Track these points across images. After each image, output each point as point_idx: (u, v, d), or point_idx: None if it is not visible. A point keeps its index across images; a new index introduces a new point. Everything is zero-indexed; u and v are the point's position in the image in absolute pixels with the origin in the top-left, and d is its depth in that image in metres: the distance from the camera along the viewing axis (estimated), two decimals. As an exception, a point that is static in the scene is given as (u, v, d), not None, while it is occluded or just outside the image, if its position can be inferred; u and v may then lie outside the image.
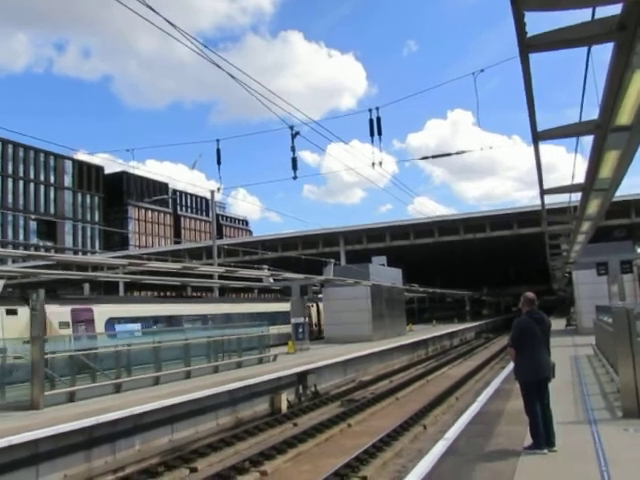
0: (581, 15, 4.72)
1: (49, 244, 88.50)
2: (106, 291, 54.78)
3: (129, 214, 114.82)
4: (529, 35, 4.58)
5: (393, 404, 17.87)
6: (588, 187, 10.30)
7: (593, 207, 12.89)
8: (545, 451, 6.89)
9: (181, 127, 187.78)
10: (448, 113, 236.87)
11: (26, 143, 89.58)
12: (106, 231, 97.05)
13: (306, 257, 35.97)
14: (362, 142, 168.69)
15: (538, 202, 14.50)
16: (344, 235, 48.47)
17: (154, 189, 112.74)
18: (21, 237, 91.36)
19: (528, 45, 4.73)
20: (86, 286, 56.50)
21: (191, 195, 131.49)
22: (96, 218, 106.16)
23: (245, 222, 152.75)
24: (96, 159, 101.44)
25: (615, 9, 4.42)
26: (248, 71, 10.44)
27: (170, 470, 10.91)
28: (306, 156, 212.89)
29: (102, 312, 21.71)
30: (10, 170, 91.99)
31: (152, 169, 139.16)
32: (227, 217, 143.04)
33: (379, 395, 18.66)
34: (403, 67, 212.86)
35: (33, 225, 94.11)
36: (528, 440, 7.14)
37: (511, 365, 10.10)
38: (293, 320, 26.83)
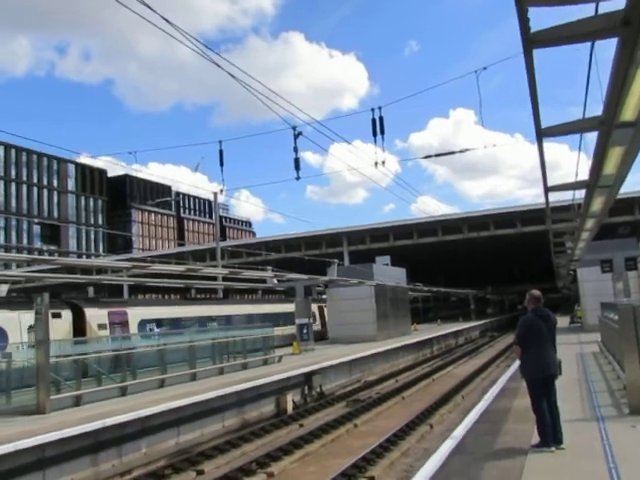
0: (584, 10, 4.70)
1: (53, 248, 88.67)
2: (110, 294, 54.79)
3: (132, 217, 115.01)
4: (533, 31, 4.57)
5: (399, 403, 17.84)
6: (592, 184, 10.26)
7: (597, 204, 12.85)
8: (553, 449, 6.86)
9: (183, 129, 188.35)
10: (450, 112, 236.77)
11: (29, 147, 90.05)
12: (110, 234, 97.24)
13: (310, 258, 35.97)
14: (364, 142, 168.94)
15: (541, 200, 14.50)
16: (347, 235, 48.45)
17: (157, 192, 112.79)
18: (25, 241, 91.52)
19: (532, 41, 4.71)
20: (90, 289, 56.51)
21: (194, 197, 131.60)
22: (99, 221, 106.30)
23: (248, 223, 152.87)
24: (99, 162, 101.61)
25: (619, 4, 4.40)
26: (250, 72, 10.46)
27: (177, 473, 10.90)
28: (308, 157, 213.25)
29: (135, 314, 22.67)
30: (13, 174, 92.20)
31: (155, 172, 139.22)
32: (230, 219, 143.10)
33: (385, 395, 18.63)
34: (405, 67, 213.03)
35: (37, 229, 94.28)
36: (535, 438, 7.11)
37: (517, 363, 10.08)
38: (297, 321, 26.82)
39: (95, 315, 20.50)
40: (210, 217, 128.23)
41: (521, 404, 9.41)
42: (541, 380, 7.08)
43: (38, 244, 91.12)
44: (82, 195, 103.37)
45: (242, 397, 14.90)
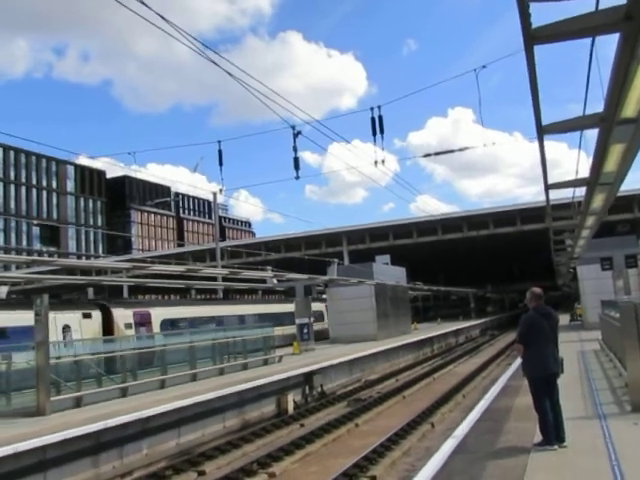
0: (585, 6, 4.68)
1: (52, 249, 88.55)
2: (110, 295, 54.75)
3: (132, 218, 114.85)
4: (534, 27, 4.54)
5: (400, 403, 17.82)
6: (593, 181, 10.24)
7: (598, 201, 12.82)
8: (555, 447, 6.83)
9: (182, 129, 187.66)
10: (449, 111, 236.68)
11: (28, 149, 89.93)
12: (109, 235, 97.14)
13: (309, 257, 35.93)
14: (363, 141, 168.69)
15: (540, 199, 14.51)
16: (347, 235, 48.42)
17: (156, 192, 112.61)
18: (24, 243, 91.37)
19: (533, 37, 4.68)
20: (90, 290, 56.50)
21: (193, 198, 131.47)
22: (99, 222, 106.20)
23: (248, 224, 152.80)
24: (98, 163, 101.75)
25: (619, -1, 4.38)
26: (248, 72, 10.41)
27: (178, 474, 10.88)
28: (307, 157, 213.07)
29: (158, 314, 23.65)
30: (12, 176, 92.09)
31: (154, 172, 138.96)
32: (230, 219, 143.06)
33: (385, 394, 18.61)
34: (403, 66, 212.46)
35: (36, 231, 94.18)
36: (538, 436, 7.08)
37: (518, 361, 10.05)
38: (297, 321, 26.79)
39: (122, 315, 21.66)
40: (209, 217, 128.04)
41: (523, 402, 9.38)
42: (543, 379, 7.04)
43: (37, 245, 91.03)
44: (81, 196, 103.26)
45: (243, 397, 14.87)
